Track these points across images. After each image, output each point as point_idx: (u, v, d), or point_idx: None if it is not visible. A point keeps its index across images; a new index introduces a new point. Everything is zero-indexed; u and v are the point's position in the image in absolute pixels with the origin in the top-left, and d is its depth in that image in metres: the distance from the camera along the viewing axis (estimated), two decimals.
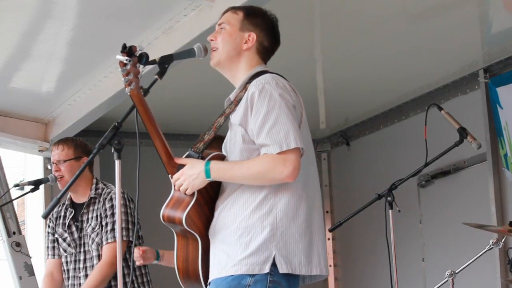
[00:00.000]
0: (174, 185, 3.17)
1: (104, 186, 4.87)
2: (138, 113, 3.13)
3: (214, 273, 3.12)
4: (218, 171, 3.12)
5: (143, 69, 3.14)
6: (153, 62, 3.17)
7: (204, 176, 3.11)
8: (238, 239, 3.08)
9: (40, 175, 6.74)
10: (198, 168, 3.12)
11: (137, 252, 4.35)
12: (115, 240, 4.67)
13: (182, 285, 3.23)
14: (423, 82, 6.50)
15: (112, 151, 3.12)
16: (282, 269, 3.05)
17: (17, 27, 5.00)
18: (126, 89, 3.10)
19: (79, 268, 4.86)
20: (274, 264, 3.05)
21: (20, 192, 5.43)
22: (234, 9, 3.35)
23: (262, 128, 3.07)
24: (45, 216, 3.34)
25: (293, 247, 3.08)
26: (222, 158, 3.22)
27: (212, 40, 3.30)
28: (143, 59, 3.13)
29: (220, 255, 3.12)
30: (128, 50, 3.10)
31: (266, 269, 3.04)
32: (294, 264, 3.08)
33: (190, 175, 3.12)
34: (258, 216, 3.08)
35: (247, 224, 3.09)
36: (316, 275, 3.16)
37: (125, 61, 3.09)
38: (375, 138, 7.32)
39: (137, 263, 4.41)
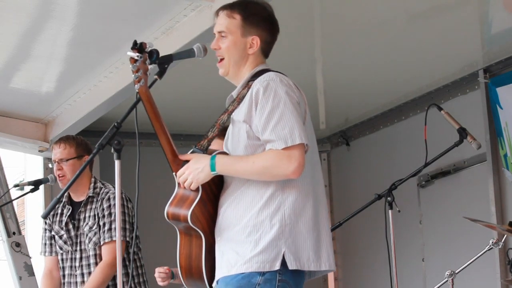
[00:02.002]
0: (179, 183, 3.17)
1: (102, 186, 4.88)
2: (146, 110, 3.13)
3: (223, 271, 3.12)
4: (223, 164, 3.12)
5: (152, 66, 3.14)
6: (153, 62, 3.17)
7: (209, 170, 3.12)
8: (247, 237, 3.09)
9: (40, 175, 6.74)
10: (203, 162, 3.13)
11: (163, 270, 4.36)
12: (112, 240, 4.69)
13: (183, 283, 3.23)
14: (423, 82, 6.50)
15: (112, 151, 3.12)
16: (292, 265, 3.06)
17: (17, 27, 5.00)
18: (136, 85, 3.10)
19: (75, 267, 4.86)
20: (283, 262, 3.06)
21: (20, 192, 5.43)
22: (229, 10, 3.29)
23: (267, 125, 3.08)
24: (45, 216, 3.36)
25: (302, 243, 3.09)
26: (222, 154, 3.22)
27: (215, 49, 3.28)
28: (154, 56, 3.14)
29: (229, 253, 3.12)
30: (139, 47, 3.10)
31: (277, 266, 3.05)
32: (302, 260, 3.09)
33: (195, 169, 3.12)
34: (266, 213, 3.09)
35: (255, 222, 3.09)
36: (316, 272, 3.17)
37: (136, 58, 3.10)
38: (375, 138, 7.32)
39: (160, 283, 4.42)
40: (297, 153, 3.05)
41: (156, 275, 4.47)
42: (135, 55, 3.10)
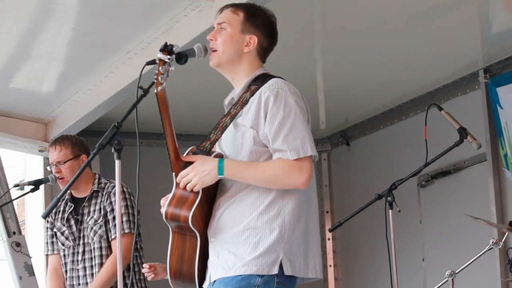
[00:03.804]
0: (178, 183, 3.16)
1: (107, 181, 4.91)
2: (160, 111, 3.12)
3: (220, 273, 3.12)
4: (232, 169, 3.12)
5: (173, 68, 3.13)
6: (153, 62, 3.17)
7: (217, 173, 3.11)
8: (246, 239, 3.09)
9: (40, 175, 6.74)
10: (211, 164, 3.12)
11: (146, 269, 4.31)
12: (124, 233, 4.71)
13: (170, 283, 3.22)
14: (423, 82, 6.50)
15: (112, 151, 3.12)
16: (288, 271, 3.08)
17: (17, 27, 5.00)
18: (159, 87, 3.09)
19: (77, 261, 4.88)
20: (280, 266, 3.07)
21: (20, 192, 5.43)
22: (234, 7, 3.32)
23: (279, 134, 3.09)
24: (45, 216, 3.35)
25: (296, 250, 3.12)
26: (221, 157, 3.22)
27: (211, 39, 3.29)
28: (183, 59, 3.14)
29: (225, 254, 3.12)
30: (169, 49, 3.10)
31: (275, 270, 3.06)
32: (295, 267, 3.11)
33: (202, 171, 3.11)
34: (267, 218, 3.10)
35: (255, 225, 3.10)
36: (306, 278, 3.19)
37: (167, 60, 3.09)
38: (375, 138, 7.32)
39: (149, 278, 4.39)
40: (307, 164, 3.08)
41: (146, 271, 4.36)
42: (166, 57, 3.09)
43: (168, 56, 3.09)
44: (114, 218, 4.77)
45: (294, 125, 3.09)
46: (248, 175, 3.11)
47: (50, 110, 6.43)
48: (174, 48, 3.12)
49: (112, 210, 4.78)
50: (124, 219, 4.76)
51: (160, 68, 3.09)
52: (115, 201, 4.78)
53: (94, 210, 4.85)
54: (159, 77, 3.09)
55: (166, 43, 3.11)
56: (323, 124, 7.49)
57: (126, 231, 4.75)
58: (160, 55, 3.10)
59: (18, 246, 6.39)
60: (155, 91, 3.10)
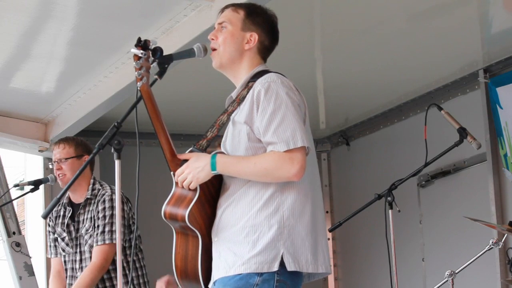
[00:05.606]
0: (177, 182, 3.17)
1: (100, 187, 4.87)
2: (146, 108, 3.12)
3: (221, 272, 3.11)
4: (225, 164, 3.12)
5: (155, 64, 3.14)
6: (153, 62, 3.17)
7: (210, 169, 3.11)
8: (245, 237, 3.08)
9: (40, 175, 6.75)
10: (204, 160, 3.12)
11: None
12: (105, 243, 4.69)
13: (179, 284, 3.22)
14: (423, 82, 6.50)
15: (112, 151, 3.12)
16: (290, 267, 3.06)
17: (17, 27, 5.00)
18: (138, 83, 3.10)
19: (75, 268, 4.87)
20: (281, 263, 3.06)
21: (20, 192, 5.43)
22: (234, 7, 3.32)
23: (269, 126, 3.08)
24: (45, 216, 3.35)
25: (300, 245, 3.09)
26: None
27: (212, 39, 3.30)
28: (158, 53, 3.13)
29: (226, 253, 3.11)
30: (143, 44, 3.10)
31: (275, 267, 3.04)
32: (301, 262, 3.08)
33: (196, 168, 3.11)
34: (265, 214, 3.08)
35: (254, 222, 3.09)
36: (315, 274, 3.17)
37: (140, 55, 3.09)
38: (375, 138, 7.32)
39: None
40: (299, 155, 3.05)
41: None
42: (139, 52, 3.10)
43: (141, 51, 3.09)
44: (98, 226, 4.74)
45: (284, 117, 3.07)
46: (240, 169, 3.11)
47: (50, 110, 6.43)
48: (150, 43, 3.12)
49: (98, 218, 4.76)
50: (107, 229, 4.72)
51: (134, 63, 3.08)
52: (102, 209, 4.76)
53: (86, 219, 4.83)
54: (136, 73, 3.09)
55: (139, 38, 3.12)
56: (323, 124, 7.49)
57: (107, 242, 4.70)
58: (133, 50, 3.10)
59: (18, 246, 6.39)
60: (138, 87, 3.10)
